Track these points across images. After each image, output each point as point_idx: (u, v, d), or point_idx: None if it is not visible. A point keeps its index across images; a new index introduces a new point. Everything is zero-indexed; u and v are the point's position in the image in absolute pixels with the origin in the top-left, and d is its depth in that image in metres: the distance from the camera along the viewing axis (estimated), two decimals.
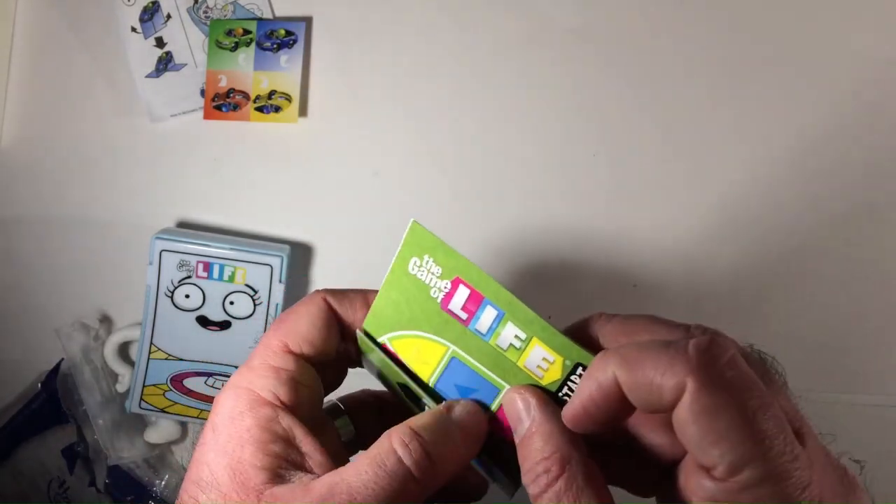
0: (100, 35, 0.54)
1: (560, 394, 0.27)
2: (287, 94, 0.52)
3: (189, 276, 0.51)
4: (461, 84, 0.53)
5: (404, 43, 0.53)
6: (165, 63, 0.53)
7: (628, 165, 0.52)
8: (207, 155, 0.54)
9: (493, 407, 0.28)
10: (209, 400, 0.53)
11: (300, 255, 0.54)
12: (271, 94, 0.52)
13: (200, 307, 0.51)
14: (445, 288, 0.28)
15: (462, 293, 0.27)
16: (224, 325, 0.52)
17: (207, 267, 0.51)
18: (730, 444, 0.21)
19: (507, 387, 0.28)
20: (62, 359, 0.54)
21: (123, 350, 0.55)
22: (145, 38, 0.53)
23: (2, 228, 0.55)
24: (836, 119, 0.51)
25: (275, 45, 0.52)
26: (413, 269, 0.28)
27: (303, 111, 0.53)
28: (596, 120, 0.52)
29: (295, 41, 0.52)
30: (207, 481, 0.26)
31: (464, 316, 0.28)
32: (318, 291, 0.31)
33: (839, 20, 0.51)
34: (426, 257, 0.28)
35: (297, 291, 0.54)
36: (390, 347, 0.29)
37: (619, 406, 0.24)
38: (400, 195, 0.53)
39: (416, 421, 0.27)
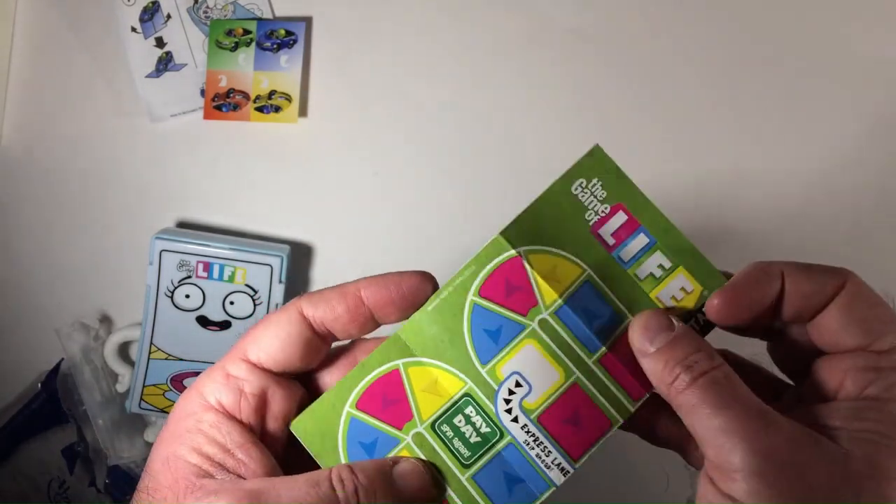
0: (100, 35, 0.54)
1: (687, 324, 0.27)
2: (287, 94, 0.52)
3: (189, 276, 0.51)
4: (461, 84, 0.53)
5: (404, 43, 0.53)
6: (165, 63, 0.53)
7: (628, 165, 0.52)
8: (207, 155, 0.54)
9: (613, 337, 0.28)
10: None
11: (300, 255, 0.54)
12: (271, 94, 0.52)
13: (200, 307, 0.51)
14: (603, 212, 0.29)
15: (619, 219, 0.28)
16: (224, 325, 0.52)
17: (207, 267, 0.51)
18: (891, 326, 0.26)
19: (631, 317, 0.28)
20: (62, 359, 0.54)
21: (123, 350, 0.55)
22: (145, 38, 0.53)
23: (2, 228, 0.55)
24: (836, 119, 0.51)
25: (275, 45, 0.52)
26: (576, 189, 0.29)
27: (303, 111, 0.53)
28: (596, 120, 0.52)
29: (295, 41, 0.52)
30: (148, 471, 0.28)
31: (611, 242, 0.28)
32: (294, 301, 0.30)
33: (839, 20, 0.51)
34: (595, 180, 0.29)
35: (297, 291, 0.54)
36: (524, 262, 0.29)
37: (767, 303, 0.26)
38: (400, 195, 0.53)
39: (359, 464, 0.27)
